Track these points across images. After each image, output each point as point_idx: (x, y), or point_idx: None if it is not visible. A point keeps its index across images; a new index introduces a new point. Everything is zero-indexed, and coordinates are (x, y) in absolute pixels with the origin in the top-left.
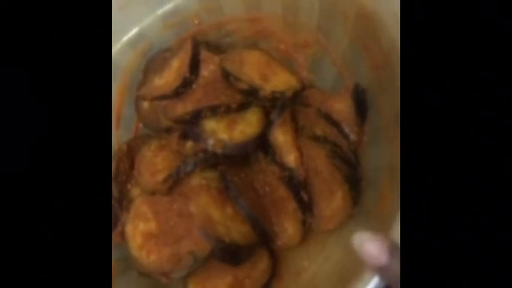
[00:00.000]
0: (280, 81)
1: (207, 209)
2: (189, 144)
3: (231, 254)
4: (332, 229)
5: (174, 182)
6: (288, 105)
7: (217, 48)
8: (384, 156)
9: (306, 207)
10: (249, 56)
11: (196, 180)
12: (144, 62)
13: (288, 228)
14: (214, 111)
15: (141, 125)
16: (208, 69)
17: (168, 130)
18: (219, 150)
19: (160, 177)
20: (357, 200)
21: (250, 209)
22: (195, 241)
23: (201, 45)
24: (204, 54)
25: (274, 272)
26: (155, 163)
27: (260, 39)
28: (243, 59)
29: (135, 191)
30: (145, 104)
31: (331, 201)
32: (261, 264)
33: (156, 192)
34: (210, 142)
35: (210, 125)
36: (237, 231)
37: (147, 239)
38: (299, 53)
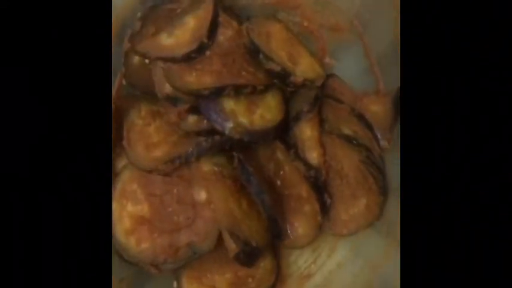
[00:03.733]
0: (307, 66)
1: (228, 203)
2: (192, 119)
3: (253, 257)
4: (346, 235)
5: (181, 164)
6: (320, 99)
7: (231, 11)
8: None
9: (326, 210)
10: (274, 29)
11: (207, 166)
12: (143, 10)
13: (298, 228)
14: (238, 91)
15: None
16: (226, 35)
17: (171, 99)
18: (236, 136)
19: (157, 153)
20: (383, 211)
21: (271, 208)
22: (196, 232)
23: (219, 5)
24: (222, 16)
25: (279, 274)
26: (149, 134)
27: (281, 10)
28: (269, 31)
29: (119, 162)
30: (136, 60)
31: (351, 207)
32: (264, 263)
33: (152, 171)
34: (229, 125)
35: (229, 104)
36: (256, 231)
37: (137, 223)
38: (324, 35)
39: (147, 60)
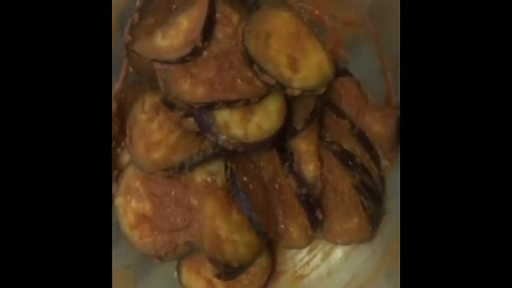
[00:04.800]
0: (310, 69)
1: (215, 220)
2: (192, 119)
3: (235, 274)
4: (340, 244)
5: (175, 173)
6: (319, 114)
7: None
8: None
9: (318, 224)
10: (277, 22)
11: (200, 176)
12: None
13: (292, 233)
14: (230, 104)
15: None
16: (224, 32)
17: (170, 105)
18: (230, 147)
19: (156, 156)
20: (375, 233)
21: (260, 225)
22: (192, 234)
23: None
24: (220, 12)
25: (272, 271)
26: (151, 131)
27: None
28: (269, 29)
29: (125, 157)
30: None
31: (345, 222)
32: (259, 260)
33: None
34: (221, 137)
35: (223, 116)
36: (244, 243)
37: (140, 220)
38: (336, 26)
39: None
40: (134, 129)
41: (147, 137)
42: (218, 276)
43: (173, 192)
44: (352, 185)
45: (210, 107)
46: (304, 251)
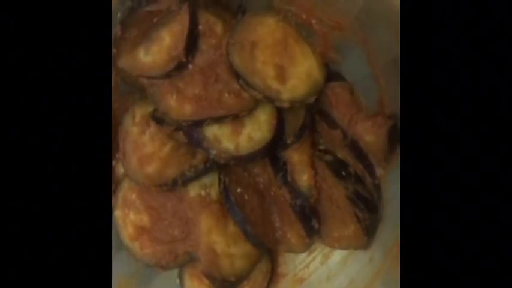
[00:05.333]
0: (299, 78)
1: (210, 236)
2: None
3: (232, 287)
4: (338, 248)
5: (169, 189)
6: (309, 126)
7: (217, 3)
8: None
9: (314, 232)
10: (262, 31)
11: (194, 191)
12: (122, 11)
13: (290, 239)
14: (218, 121)
15: None
16: (208, 43)
17: (159, 120)
18: (221, 161)
19: (149, 169)
20: (371, 241)
21: (255, 237)
22: (191, 244)
23: (199, 4)
24: (203, 23)
25: (273, 275)
26: (143, 143)
27: None
28: (254, 39)
29: (120, 169)
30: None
31: (342, 229)
32: (260, 265)
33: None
34: (212, 152)
35: (213, 131)
36: (241, 255)
37: (139, 232)
38: (325, 30)
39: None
40: (127, 142)
41: (140, 150)
42: None
43: (169, 205)
44: (346, 196)
45: (198, 124)
46: (302, 255)
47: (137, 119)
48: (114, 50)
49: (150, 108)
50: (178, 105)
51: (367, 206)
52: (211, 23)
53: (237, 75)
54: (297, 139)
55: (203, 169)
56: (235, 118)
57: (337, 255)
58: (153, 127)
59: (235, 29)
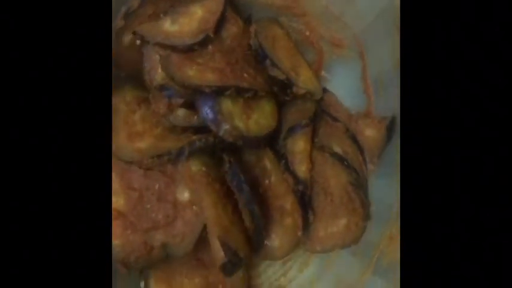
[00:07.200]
0: (307, 78)
1: (217, 209)
2: (182, 112)
3: (236, 268)
4: (319, 252)
5: (169, 161)
6: (318, 116)
7: (235, 7)
8: (394, 193)
9: (309, 225)
10: (277, 34)
11: (196, 166)
12: None
13: (274, 240)
14: (241, 93)
15: None
16: (230, 31)
17: (163, 89)
18: (229, 139)
19: (141, 145)
20: (360, 237)
21: (260, 218)
22: (173, 233)
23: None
24: (229, 11)
25: (249, 283)
26: (133, 122)
27: (284, 14)
28: (275, 35)
29: None
30: (127, 40)
31: (330, 225)
32: (235, 276)
33: (133, 163)
34: (224, 126)
35: (227, 105)
36: (240, 240)
37: (112, 216)
38: (323, 48)
39: (138, 42)
40: (114, 118)
41: (130, 127)
42: (224, 266)
43: (156, 186)
44: (349, 182)
45: (221, 91)
46: (277, 263)
47: (127, 98)
48: (122, 22)
49: (141, 93)
50: (199, 73)
51: (364, 193)
52: (234, 15)
53: (263, 56)
54: (310, 122)
55: (213, 142)
56: (254, 96)
57: (316, 260)
58: (143, 109)
59: (259, 22)
